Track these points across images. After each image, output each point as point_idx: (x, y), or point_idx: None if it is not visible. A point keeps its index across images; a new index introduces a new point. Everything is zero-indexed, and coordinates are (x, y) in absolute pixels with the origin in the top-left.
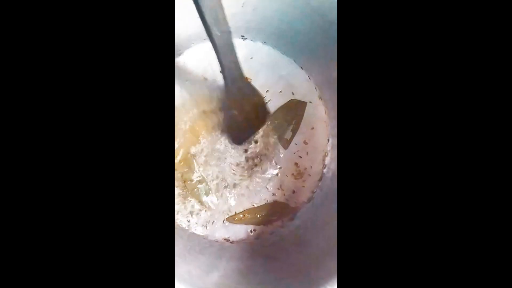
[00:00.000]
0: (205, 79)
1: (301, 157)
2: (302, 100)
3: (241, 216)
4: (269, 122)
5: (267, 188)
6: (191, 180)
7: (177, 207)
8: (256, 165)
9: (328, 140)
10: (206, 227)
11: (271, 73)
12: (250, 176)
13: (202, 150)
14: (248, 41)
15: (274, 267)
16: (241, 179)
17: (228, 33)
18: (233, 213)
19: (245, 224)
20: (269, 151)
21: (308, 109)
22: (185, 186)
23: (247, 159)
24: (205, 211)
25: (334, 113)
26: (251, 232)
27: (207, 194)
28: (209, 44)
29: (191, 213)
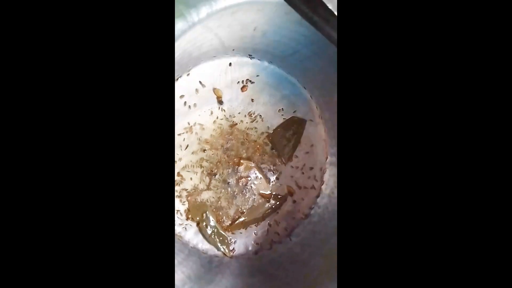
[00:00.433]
0: None
1: (303, 173)
2: (303, 117)
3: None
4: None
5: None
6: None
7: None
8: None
9: (327, 158)
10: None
11: (274, 91)
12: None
13: None
14: (255, 60)
15: (273, 286)
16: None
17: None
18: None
19: (245, 225)
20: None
21: (309, 127)
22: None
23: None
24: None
25: (334, 132)
26: (250, 247)
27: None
28: None
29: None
